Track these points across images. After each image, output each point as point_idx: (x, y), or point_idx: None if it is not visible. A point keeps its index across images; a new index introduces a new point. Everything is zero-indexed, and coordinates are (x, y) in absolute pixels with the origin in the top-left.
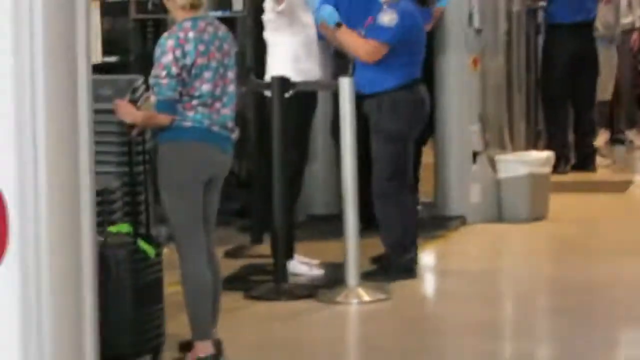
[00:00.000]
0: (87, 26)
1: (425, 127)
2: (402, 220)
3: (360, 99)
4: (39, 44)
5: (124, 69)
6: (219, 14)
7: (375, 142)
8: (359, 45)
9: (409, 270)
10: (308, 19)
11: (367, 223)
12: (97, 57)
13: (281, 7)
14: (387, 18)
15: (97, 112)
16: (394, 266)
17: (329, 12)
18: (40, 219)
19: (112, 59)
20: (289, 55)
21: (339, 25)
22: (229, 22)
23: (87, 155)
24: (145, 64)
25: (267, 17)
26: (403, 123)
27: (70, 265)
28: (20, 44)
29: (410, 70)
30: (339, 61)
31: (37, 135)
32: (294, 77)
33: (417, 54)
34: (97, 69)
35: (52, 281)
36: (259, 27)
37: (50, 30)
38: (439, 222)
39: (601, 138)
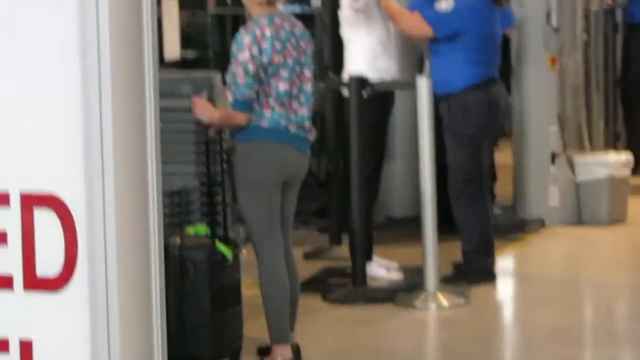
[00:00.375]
0: (154, 29)
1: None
2: (479, 224)
3: (436, 99)
4: (105, 46)
5: (202, 64)
6: (297, 9)
7: (448, 145)
8: (403, 14)
9: (489, 273)
10: (383, 14)
11: (447, 225)
12: (176, 53)
13: (359, 3)
14: (444, 5)
15: (175, 110)
16: (473, 270)
17: None
18: (109, 235)
19: (191, 54)
20: (366, 52)
21: None
22: (307, 19)
23: (156, 167)
24: (223, 59)
25: (344, 13)
26: (474, 126)
27: (139, 284)
28: (87, 46)
29: (481, 69)
30: (415, 59)
31: (104, 149)
32: (371, 75)
33: (487, 51)
34: (176, 64)
35: (121, 300)
36: (337, 23)
37: (116, 33)
38: (518, 225)
39: None
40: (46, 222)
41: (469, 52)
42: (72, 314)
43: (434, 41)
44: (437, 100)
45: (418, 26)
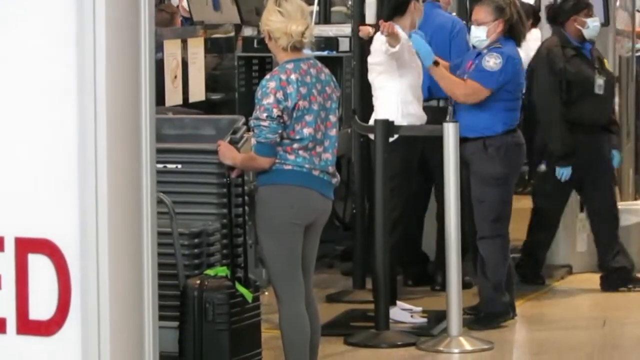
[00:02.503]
0: (151, 72)
1: None
2: (504, 263)
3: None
4: (101, 91)
5: (228, 106)
6: (325, 53)
7: (479, 186)
8: (457, 85)
9: (508, 312)
10: (414, 62)
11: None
12: (201, 95)
13: (397, 48)
14: (493, 62)
15: (197, 152)
16: (493, 309)
17: (426, 52)
18: (102, 281)
19: (217, 96)
20: (397, 98)
21: (436, 64)
22: (335, 62)
23: (151, 216)
24: (249, 102)
25: (375, 60)
26: (508, 166)
27: (132, 331)
28: (84, 93)
29: (514, 114)
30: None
31: (99, 197)
32: (402, 121)
33: (520, 98)
34: (200, 106)
35: (113, 347)
36: (365, 68)
37: (112, 76)
38: (545, 271)
39: None
40: (40, 266)
41: (506, 100)
42: (64, 358)
43: None
44: (467, 143)
45: (477, 94)
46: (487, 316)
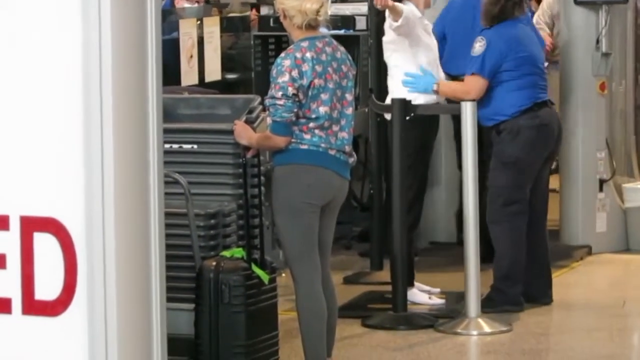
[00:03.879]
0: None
1: None
2: (513, 250)
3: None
4: (107, 72)
5: (244, 86)
6: (342, 32)
7: (492, 168)
8: (458, 90)
9: (516, 303)
10: (429, 40)
11: (489, 252)
12: (217, 75)
13: (400, 22)
14: (477, 46)
15: (213, 132)
16: (501, 297)
17: (424, 85)
18: (108, 260)
19: (233, 76)
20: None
21: (438, 85)
22: (352, 41)
23: (158, 192)
24: (266, 81)
25: (387, 38)
26: (521, 149)
27: (139, 311)
28: (89, 73)
29: (527, 93)
30: None
31: (105, 174)
32: (415, 99)
33: (531, 74)
34: (217, 85)
35: (120, 327)
36: (381, 47)
37: (118, 62)
38: (564, 252)
39: None
40: (46, 246)
41: (512, 78)
42: (70, 339)
43: None
44: (485, 129)
45: (474, 85)
46: (493, 302)
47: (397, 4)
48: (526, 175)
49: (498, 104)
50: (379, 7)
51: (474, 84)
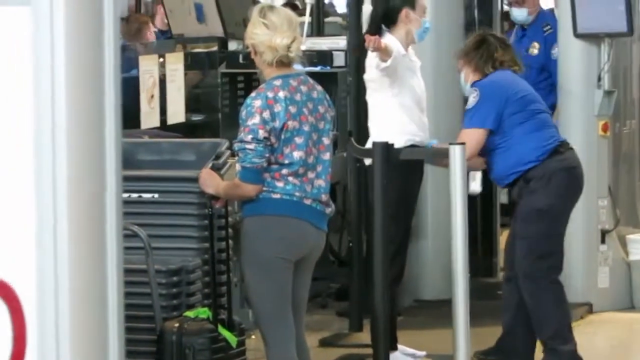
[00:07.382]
0: (117, 98)
1: None
2: (558, 305)
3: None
4: (61, 121)
5: (211, 129)
6: (318, 69)
7: (519, 223)
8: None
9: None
10: (414, 80)
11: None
12: (180, 116)
13: (389, 62)
14: (471, 98)
15: (176, 179)
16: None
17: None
18: (61, 329)
19: (198, 117)
20: (393, 117)
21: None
22: (329, 78)
23: (117, 255)
24: (234, 123)
25: (369, 75)
26: (556, 195)
27: None
28: (41, 127)
29: (549, 132)
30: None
31: (57, 234)
32: (399, 141)
33: (543, 112)
34: (181, 128)
35: None
36: (361, 85)
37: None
38: None
39: None
40: None
41: (525, 119)
42: None
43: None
44: (513, 189)
45: (471, 139)
46: None
47: (386, 42)
48: (561, 224)
49: (518, 151)
50: (370, 49)
51: (472, 139)
